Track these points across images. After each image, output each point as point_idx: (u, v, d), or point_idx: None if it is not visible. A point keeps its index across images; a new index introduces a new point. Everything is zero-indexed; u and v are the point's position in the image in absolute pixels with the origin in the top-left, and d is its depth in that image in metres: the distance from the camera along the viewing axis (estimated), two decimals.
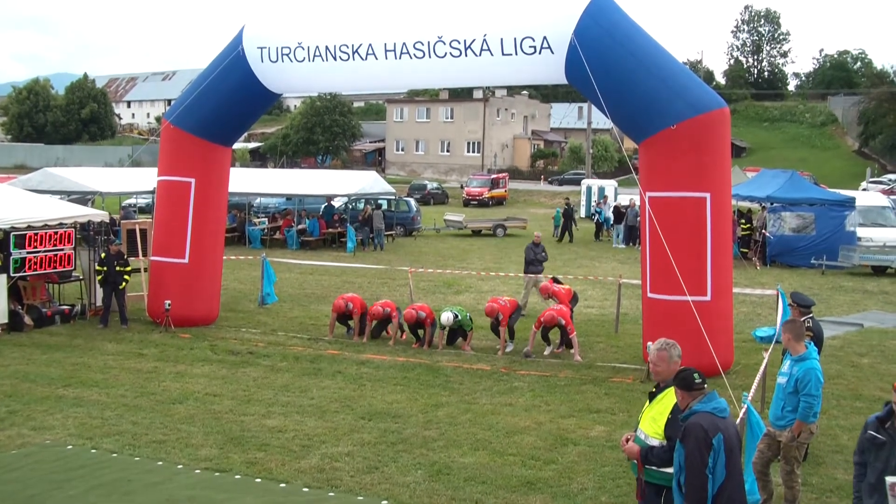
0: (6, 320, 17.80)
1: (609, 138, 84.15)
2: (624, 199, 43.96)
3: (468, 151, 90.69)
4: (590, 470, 10.53)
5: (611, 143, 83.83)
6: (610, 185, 56.37)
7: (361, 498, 9.57)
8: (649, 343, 13.83)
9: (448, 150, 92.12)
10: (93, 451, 11.04)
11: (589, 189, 56.90)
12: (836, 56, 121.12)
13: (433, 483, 10.05)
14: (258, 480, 10.07)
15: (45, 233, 18.39)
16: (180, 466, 10.50)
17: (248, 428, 12.00)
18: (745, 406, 9.22)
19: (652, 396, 7.12)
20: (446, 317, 16.92)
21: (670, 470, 6.69)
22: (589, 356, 16.71)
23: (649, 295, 15.31)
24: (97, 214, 20.53)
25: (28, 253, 18.07)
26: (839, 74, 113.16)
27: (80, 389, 13.87)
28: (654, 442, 6.81)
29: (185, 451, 11.03)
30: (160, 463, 10.62)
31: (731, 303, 15.71)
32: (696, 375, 6.55)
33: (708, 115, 14.70)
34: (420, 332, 17.52)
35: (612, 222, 41.34)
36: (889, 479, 6.34)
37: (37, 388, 13.85)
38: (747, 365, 15.67)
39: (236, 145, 24.99)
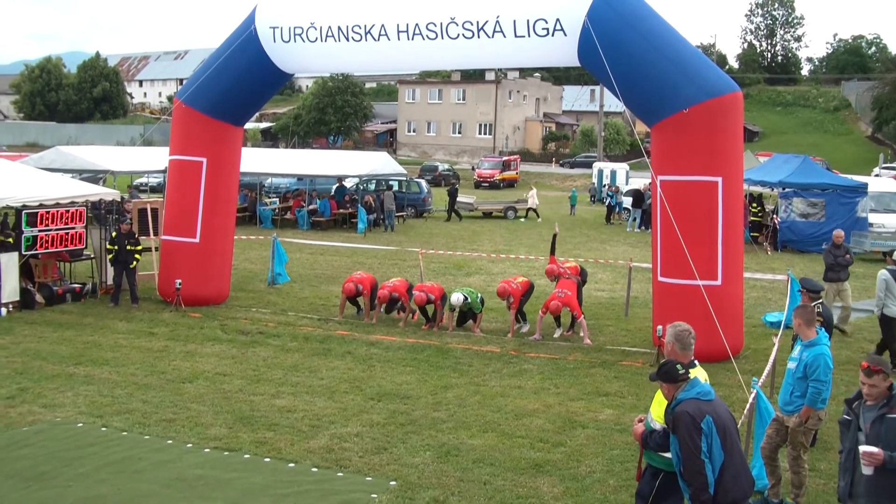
0: (18, 298, 17.87)
1: (621, 121, 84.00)
2: (639, 183, 43.77)
3: (480, 133, 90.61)
4: (598, 453, 10.54)
5: (623, 126, 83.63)
6: (622, 168, 56.26)
7: (370, 478, 9.60)
8: (659, 326, 13.90)
9: (459, 132, 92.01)
10: (103, 428, 11.09)
11: (600, 172, 56.79)
12: (850, 41, 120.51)
13: (441, 464, 10.07)
14: (267, 460, 10.11)
15: (57, 211, 18.45)
16: (190, 445, 10.55)
17: (257, 407, 12.04)
18: (755, 391, 9.21)
19: None
20: (456, 297, 16.92)
21: (669, 455, 6.76)
22: (599, 339, 16.71)
23: (660, 279, 15.28)
24: (109, 193, 20.58)
25: (40, 231, 18.14)
26: (853, 59, 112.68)
27: (90, 367, 13.93)
28: (657, 426, 6.87)
29: (195, 430, 11.07)
30: (170, 441, 10.67)
31: (741, 287, 15.68)
32: (678, 367, 6.67)
33: (721, 99, 14.62)
34: (429, 308, 17.49)
35: (623, 206, 41.37)
36: (862, 448, 6.37)
37: (48, 366, 13.92)
38: (757, 350, 15.66)
39: (248, 125, 25.00)
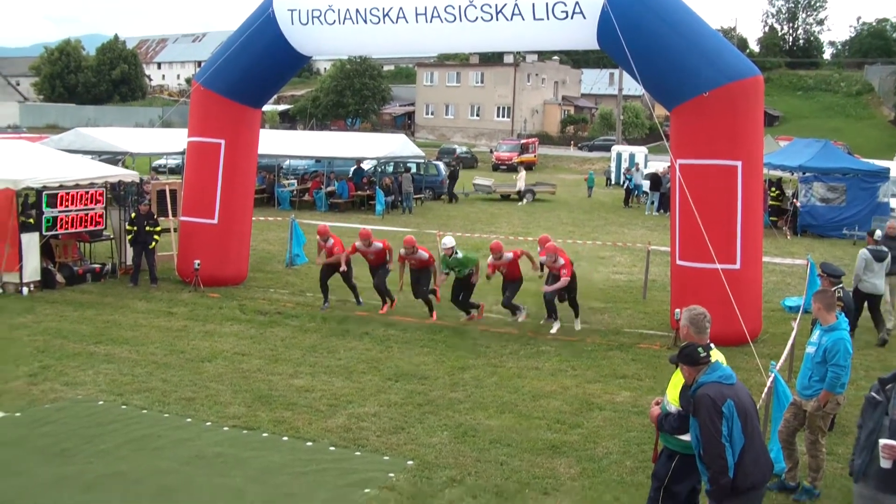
0: (39, 278, 18.01)
1: (640, 105, 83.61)
2: (658, 166, 43.57)
3: (498, 116, 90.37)
4: (615, 435, 10.57)
5: (641, 109, 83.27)
6: (640, 151, 55.99)
7: (387, 458, 9.66)
8: (677, 310, 13.87)
9: (478, 115, 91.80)
10: (123, 406, 11.20)
11: (619, 155, 56.60)
12: (874, 24, 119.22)
13: (458, 444, 10.12)
14: (285, 439, 10.19)
15: (77, 192, 18.55)
16: (209, 424, 10.64)
17: (275, 387, 12.11)
18: (773, 375, 9.20)
19: None
20: (448, 239, 16.63)
21: (685, 438, 6.77)
22: (616, 322, 16.72)
23: (678, 262, 15.26)
24: (128, 175, 20.68)
25: (60, 212, 18.24)
26: (877, 42, 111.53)
27: (110, 346, 14.05)
28: (673, 409, 6.88)
29: (214, 409, 11.16)
30: (189, 420, 10.76)
31: (760, 271, 15.61)
32: (699, 349, 6.59)
33: (741, 82, 14.54)
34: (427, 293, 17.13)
35: (643, 189, 41.26)
36: (882, 441, 6.35)
37: (69, 345, 14.04)
38: (775, 334, 15.62)
39: (266, 107, 25.02)
